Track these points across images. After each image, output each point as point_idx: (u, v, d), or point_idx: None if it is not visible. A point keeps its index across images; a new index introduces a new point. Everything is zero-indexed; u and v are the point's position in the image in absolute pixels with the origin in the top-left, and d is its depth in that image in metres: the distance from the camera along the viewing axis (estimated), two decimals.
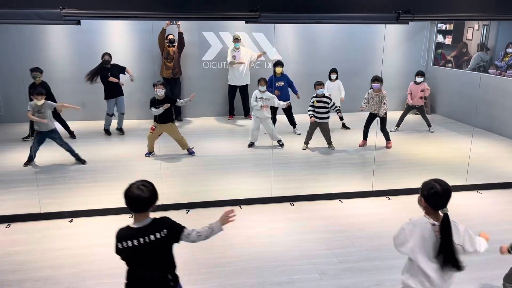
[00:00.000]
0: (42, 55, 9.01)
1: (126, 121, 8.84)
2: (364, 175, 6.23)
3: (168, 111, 6.87)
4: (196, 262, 4.18)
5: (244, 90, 9.51)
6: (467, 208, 5.40)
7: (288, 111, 8.47)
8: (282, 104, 7.54)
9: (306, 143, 7.61)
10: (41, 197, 5.25)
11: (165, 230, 2.60)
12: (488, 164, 6.83)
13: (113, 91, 8.32)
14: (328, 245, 4.51)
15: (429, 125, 8.82)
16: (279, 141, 7.68)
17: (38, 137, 6.54)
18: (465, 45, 9.52)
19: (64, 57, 9.20)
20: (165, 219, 2.68)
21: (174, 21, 8.90)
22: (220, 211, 5.19)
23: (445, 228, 2.52)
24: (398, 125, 8.84)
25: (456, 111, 9.81)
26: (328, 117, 7.47)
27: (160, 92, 6.75)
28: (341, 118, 8.71)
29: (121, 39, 9.32)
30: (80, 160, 6.80)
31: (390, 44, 10.30)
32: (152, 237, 2.55)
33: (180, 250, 4.35)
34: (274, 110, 8.12)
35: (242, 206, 5.38)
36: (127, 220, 2.94)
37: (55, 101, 7.42)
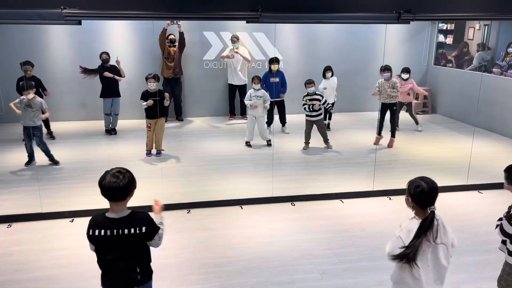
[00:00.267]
0: (43, 55, 9.02)
1: (127, 121, 8.86)
2: (365, 175, 6.23)
3: (156, 107, 6.85)
4: (197, 262, 4.18)
5: (242, 90, 9.52)
6: (468, 208, 5.40)
7: (281, 109, 8.47)
8: (265, 105, 7.48)
9: (306, 143, 7.61)
10: (42, 197, 5.26)
11: (143, 228, 2.55)
12: (489, 164, 6.83)
13: (109, 91, 8.33)
14: (329, 245, 4.50)
15: (417, 123, 8.85)
16: (268, 140, 7.69)
17: (26, 132, 6.49)
18: (466, 45, 9.51)
19: (65, 57, 9.20)
20: (144, 216, 2.61)
21: (175, 21, 8.90)
22: (221, 211, 5.25)
23: (425, 226, 2.49)
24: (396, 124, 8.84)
25: (457, 111, 9.81)
26: (321, 114, 7.49)
27: (152, 85, 6.77)
28: (329, 117, 8.74)
29: (122, 39, 9.33)
30: (53, 161, 6.71)
31: (391, 44, 10.30)
32: (126, 231, 2.50)
33: (180, 250, 4.37)
34: (271, 109, 8.14)
35: (243, 206, 5.39)
36: None
37: (42, 96, 7.41)
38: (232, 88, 9.59)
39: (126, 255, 2.57)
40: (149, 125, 6.98)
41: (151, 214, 2.73)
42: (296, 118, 8.70)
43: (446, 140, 8.30)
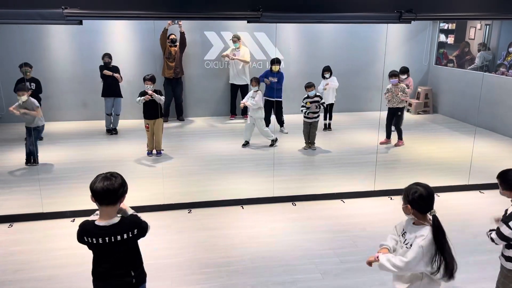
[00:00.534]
0: (43, 55, 9.03)
1: (128, 121, 8.86)
2: (366, 175, 6.22)
3: (154, 107, 6.84)
4: (198, 262, 4.17)
5: (244, 90, 9.52)
6: (469, 208, 5.39)
7: (278, 110, 8.48)
8: (248, 103, 7.43)
9: (307, 143, 7.61)
10: (43, 197, 5.26)
11: (135, 230, 2.55)
12: (490, 163, 6.81)
13: (111, 91, 8.31)
14: (330, 245, 4.50)
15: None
16: (272, 140, 7.70)
17: (27, 132, 6.50)
18: (467, 45, 9.50)
19: (66, 57, 9.21)
20: (134, 218, 2.59)
21: (176, 21, 8.90)
22: (222, 211, 5.25)
23: (438, 230, 2.49)
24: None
25: (458, 110, 9.79)
26: (319, 116, 7.52)
27: (149, 87, 6.77)
28: (330, 118, 8.78)
29: (123, 39, 9.33)
30: (32, 163, 6.63)
31: (392, 43, 10.29)
32: (119, 237, 2.49)
33: (181, 250, 4.37)
34: (269, 110, 8.15)
35: (243, 206, 5.38)
36: None
37: (40, 98, 7.42)
38: (233, 88, 9.59)
39: (122, 260, 2.57)
40: (147, 125, 6.98)
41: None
42: (297, 118, 8.69)
43: (448, 140, 8.29)
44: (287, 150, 7.50)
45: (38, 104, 6.45)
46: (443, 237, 2.50)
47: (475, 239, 4.56)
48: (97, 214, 2.58)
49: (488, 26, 8.91)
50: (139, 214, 2.71)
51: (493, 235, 3.06)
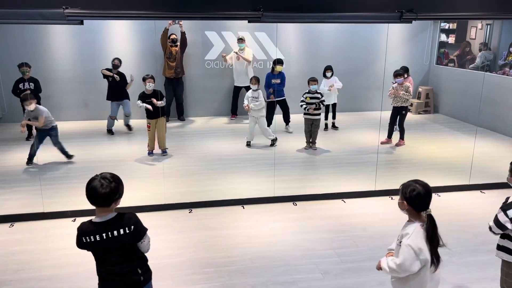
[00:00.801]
0: (44, 55, 9.03)
1: (130, 121, 8.85)
2: (367, 175, 6.22)
3: (156, 107, 6.86)
4: (199, 262, 4.18)
5: (247, 90, 9.51)
6: (470, 208, 5.39)
7: (284, 108, 8.47)
8: (251, 105, 7.44)
9: (308, 142, 7.60)
10: (44, 197, 5.27)
11: (132, 227, 2.52)
12: (491, 163, 6.81)
13: (117, 94, 8.28)
14: (331, 244, 4.50)
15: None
16: (272, 140, 7.70)
17: (39, 135, 6.54)
18: (468, 44, 9.49)
19: (66, 57, 9.22)
20: (132, 216, 2.58)
21: (177, 21, 8.91)
22: (222, 210, 5.26)
23: (431, 229, 2.49)
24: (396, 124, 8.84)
25: (459, 110, 9.78)
26: (320, 113, 7.50)
27: (150, 85, 6.78)
28: (333, 117, 8.81)
29: (124, 38, 9.34)
30: (68, 157, 6.82)
31: (393, 43, 10.27)
32: (115, 233, 2.47)
33: (182, 250, 4.37)
34: (271, 109, 8.14)
35: (244, 206, 5.39)
36: None
37: (39, 98, 7.48)
38: (236, 89, 9.59)
39: (124, 258, 2.55)
40: (148, 124, 6.99)
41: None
42: (298, 118, 8.69)
43: (448, 139, 8.28)
44: (288, 150, 7.50)
45: (44, 114, 6.44)
46: (435, 236, 2.51)
47: (475, 239, 4.56)
48: None
49: (489, 26, 8.90)
50: (140, 214, 2.70)
51: (491, 222, 3.10)
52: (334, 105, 8.76)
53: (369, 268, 4.09)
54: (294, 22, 8.59)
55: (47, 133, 6.56)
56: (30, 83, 7.62)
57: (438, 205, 5.19)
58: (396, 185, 6.09)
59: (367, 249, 4.41)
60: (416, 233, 2.52)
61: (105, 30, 9.20)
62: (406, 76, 8.46)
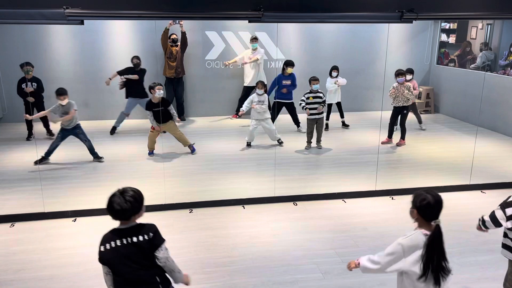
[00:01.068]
0: (45, 55, 9.04)
1: (130, 121, 8.86)
2: (368, 175, 6.22)
3: (165, 110, 6.88)
4: (200, 262, 4.18)
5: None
6: (471, 208, 5.38)
7: (292, 111, 8.48)
8: (257, 107, 7.43)
9: (309, 142, 7.60)
10: (45, 197, 5.27)
11: (151, 234, 2.54)
12: (492, 163, 6.81)
13: (134, 91, 8.30)
14: (331, 244, 4.50)
15: (420, 122, 8.89)
16: (278, 140, 7.69)
17: (62, 133, 6.53)
18: (468, 44, 9.49)
19: (67, 57, 9.22)
20: (152, 226, 2.60)
21: (177, 21, 8.91)
22: (223, 210, 5.26)
23: (435, 239, 2.49)
24: (397, 124, 8.83)
25: (460, 110, 9.78)
26: (323, 112, 7.50)
27: (160, 93, 6.74)
28: (341, 115, 8.84)
29: (124, 38, 9.34)
30: (98, 158, 6.84)
31: (394, 43, 10.28)
32: (135, 239, 2.50)
33: (183, 250, 4.37)
34: (277, 111, 8.13)
35: (245, 206, 5.39)
36: None
37: (42, 98, 7.59)
38: (248, 89, 9.49)
39: (142, 265, 2.53)
40: (153, 127, 6.96)
41: None
42: (299, 118, 8.70)
43: (449, 139, 8.28)
44: (289, 150, 7.50)
45: (76, 107, 6.49)
46: (438, 247, 2.50)
47: (476, 239, 4.55)
48: None
49: (489, 26, 8.90)
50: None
51: (486, 216, 3.12)
52: (338, 104, 8.76)
53: None
54: (294, 22, 8.59)
55: (72, 131, 6.55)
56: (33, 83, 7.63)
57: None
58: (397, 185, 6.13)
59: (368, 249, 4.41)
60: (414, 237, 2.53)
61: (106, 30, 9.21)
62: (410, 78, 8.47)
